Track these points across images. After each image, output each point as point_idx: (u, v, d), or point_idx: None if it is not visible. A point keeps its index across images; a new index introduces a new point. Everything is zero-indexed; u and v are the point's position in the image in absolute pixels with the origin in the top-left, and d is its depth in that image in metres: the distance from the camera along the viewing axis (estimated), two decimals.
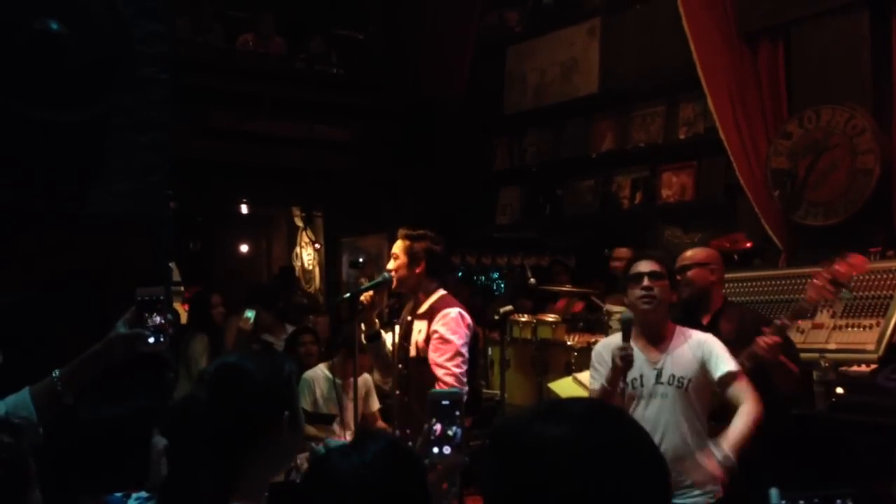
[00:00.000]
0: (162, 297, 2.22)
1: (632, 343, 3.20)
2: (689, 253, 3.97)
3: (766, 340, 3.51)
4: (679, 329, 3.35)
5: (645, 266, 3.28)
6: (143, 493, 2.11)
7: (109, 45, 3.46)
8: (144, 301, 2.19)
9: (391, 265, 3.97)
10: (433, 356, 3.79)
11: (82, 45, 3.37)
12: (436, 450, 1.82)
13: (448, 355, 3.75)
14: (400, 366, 3.98)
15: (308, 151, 8.61)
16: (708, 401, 3.30)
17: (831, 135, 5.05)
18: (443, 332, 3.79)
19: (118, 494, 2.09)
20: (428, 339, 3.83)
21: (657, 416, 3.19)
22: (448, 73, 8.59)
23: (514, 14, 8.74)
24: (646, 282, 3.23)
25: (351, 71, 9.25)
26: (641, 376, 3.24)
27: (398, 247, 3.96)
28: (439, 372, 3.75)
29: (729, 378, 3.17)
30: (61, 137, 3.47)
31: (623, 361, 3.10)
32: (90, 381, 2.14)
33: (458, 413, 1.85)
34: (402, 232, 4.00)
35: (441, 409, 1.85)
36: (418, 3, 8.84)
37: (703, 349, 3.25)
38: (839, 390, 4.20)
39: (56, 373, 2.11)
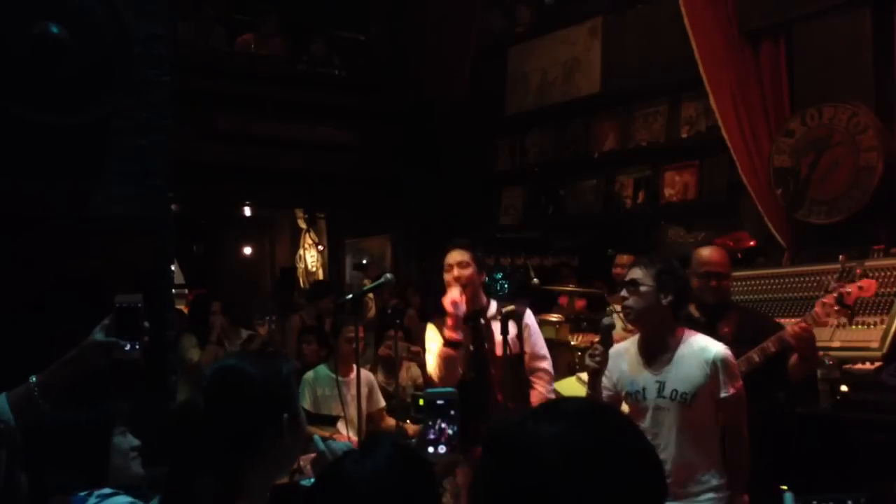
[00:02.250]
0: (140, 305, 2.20)
1: (636, 354, 3.19)
2: (717, 258, 3.89)
3: (795, 328, 3.56)
4: (687, 334, 3.17)
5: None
6: (107, 490, 2.10)
7: (109, 47, 3.45)
8: (122, 308, 2.18)
9: (464, 273, 3.94)
10: (536, 349, 4.02)
11: (82, 47, 3.36)
12: (431, 449, 1.82)
13: (544, 345, 4.10)
14: (472, 373, 3.93)
15: (311, 153, 8.62)
16: (715, 410, 3.15)
17: (834, 132, 5.03)
18: (535, 326, 4.08)
19: (82, 494, 2.08)
20: (519, 335, 3.99)
21: (660, 429, 3.10)
22: (450, 73, 8.59)
23: (525, 9, 8.70)
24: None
25: (353, 73, 9.27)
26: (644, 389, 3.14)
27: (464, 256, 3.98)
28: (545, 363, 4.03)
29: (724, 402, 3.11)
30: (62, 141, 3.46)
31: (594, 362, 3.09)
32: (67, 388, 2.14)
33: (453, 412, 1.84)
34: (460, 243, 4.05)
35: (437, 408, 1.84)
36: (420, 4, 8.85)
37: (714, 365, 3.08)
38: (843, 388, 4.19)
39: (33, 378, 2.10)
